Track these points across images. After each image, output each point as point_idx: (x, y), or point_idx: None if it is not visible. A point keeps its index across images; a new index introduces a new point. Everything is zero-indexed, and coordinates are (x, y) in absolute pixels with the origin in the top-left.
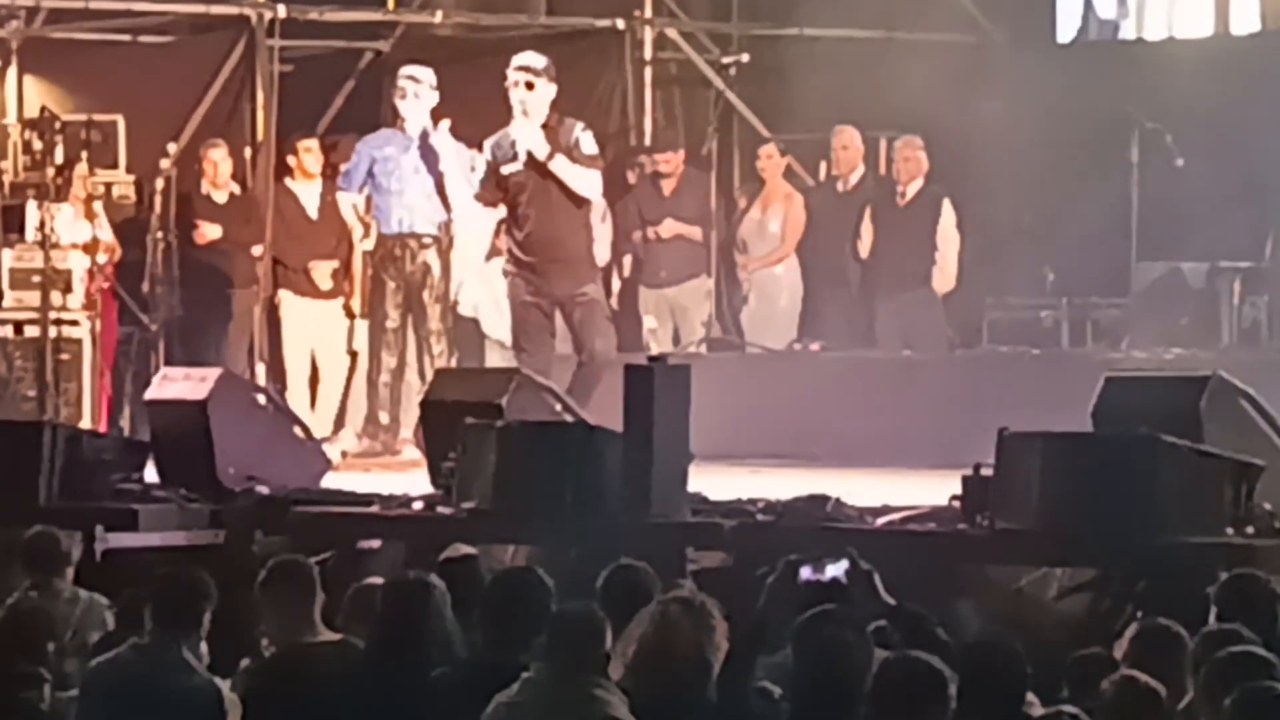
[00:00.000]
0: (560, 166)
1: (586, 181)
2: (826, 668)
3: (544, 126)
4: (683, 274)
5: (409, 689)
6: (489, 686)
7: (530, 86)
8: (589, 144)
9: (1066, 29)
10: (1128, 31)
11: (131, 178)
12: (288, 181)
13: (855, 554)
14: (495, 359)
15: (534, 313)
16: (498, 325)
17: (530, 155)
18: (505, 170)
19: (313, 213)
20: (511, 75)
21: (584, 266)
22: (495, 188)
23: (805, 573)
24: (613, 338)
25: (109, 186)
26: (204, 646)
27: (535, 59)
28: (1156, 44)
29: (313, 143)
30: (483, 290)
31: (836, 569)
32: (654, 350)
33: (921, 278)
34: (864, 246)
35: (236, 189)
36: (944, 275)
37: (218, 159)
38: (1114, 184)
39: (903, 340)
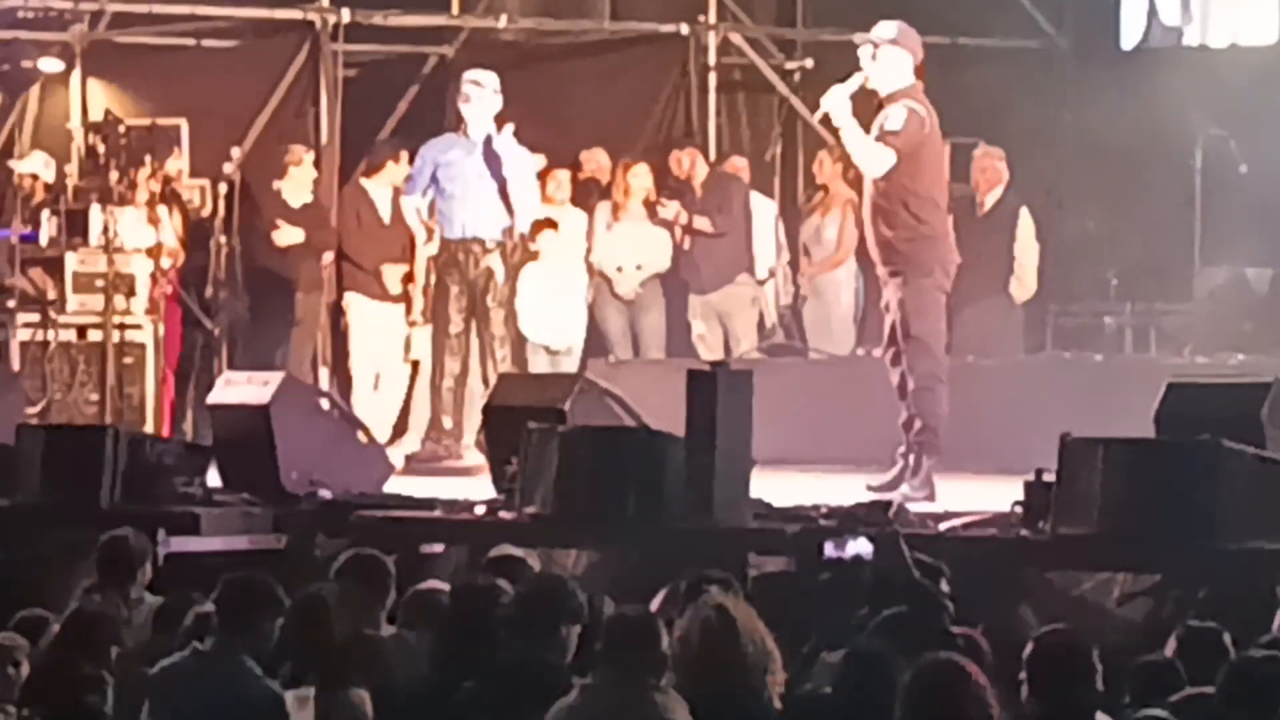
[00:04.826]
0: (847, 134)
1: (873, 157)
2: (877, 672)
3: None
4: (721, 277)
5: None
6: (524, 691)
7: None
8: (895, 117)
9: (1130, 36)
10: (1191, 38)
11: (195, 182)
12: (363, 182)
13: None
14: (541, 364)
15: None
16: (538, 330)
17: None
18: None
19: (385, 216)
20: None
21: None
22: None
23: (829, 549)
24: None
25: (173, 190)
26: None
27: (886, 28)
28: (1220, 51)
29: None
30: (524, 295)
31: (859, 546)
32: (704, 355)
33: (998, 286)
34: None
35: (310, 196)
36: (1022, 284)
37: (304, 162)
38: (1177, 190)
39: (977, 348)
